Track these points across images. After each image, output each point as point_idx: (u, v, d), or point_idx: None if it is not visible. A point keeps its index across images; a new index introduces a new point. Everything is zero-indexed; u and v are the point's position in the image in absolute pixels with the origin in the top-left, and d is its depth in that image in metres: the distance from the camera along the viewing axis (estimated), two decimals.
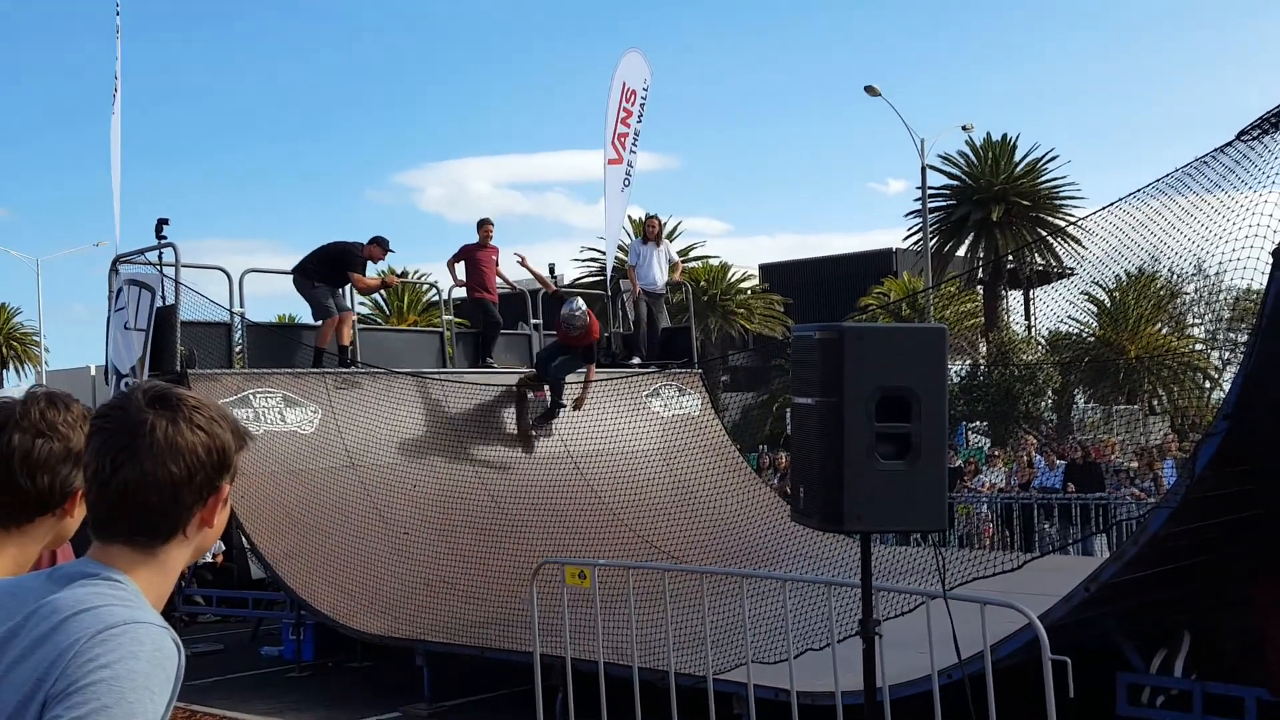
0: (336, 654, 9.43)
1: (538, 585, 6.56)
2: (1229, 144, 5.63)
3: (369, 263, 11.29)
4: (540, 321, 12.98)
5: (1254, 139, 5.55)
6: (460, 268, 12.29)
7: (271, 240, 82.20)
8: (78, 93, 74.54)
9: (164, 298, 10.04)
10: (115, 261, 10.69)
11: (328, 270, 10.81)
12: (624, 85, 13.88)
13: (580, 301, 11.40)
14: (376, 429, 10.39)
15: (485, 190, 76.32)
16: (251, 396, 9.83)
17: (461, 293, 12.71)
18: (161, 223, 10.26)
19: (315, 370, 10.56)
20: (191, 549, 1.54)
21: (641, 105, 14.02)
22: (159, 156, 77.06)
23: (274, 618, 10.35)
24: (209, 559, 12.02)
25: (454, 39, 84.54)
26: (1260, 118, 5.50)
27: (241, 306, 10.56)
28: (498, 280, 12.40)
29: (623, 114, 13.92)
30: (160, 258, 10.24)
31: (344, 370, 10.73)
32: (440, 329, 12.59)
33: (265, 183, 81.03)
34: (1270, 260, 5.33)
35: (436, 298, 15.50)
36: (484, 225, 12.38)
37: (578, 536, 9.84)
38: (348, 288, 11.14)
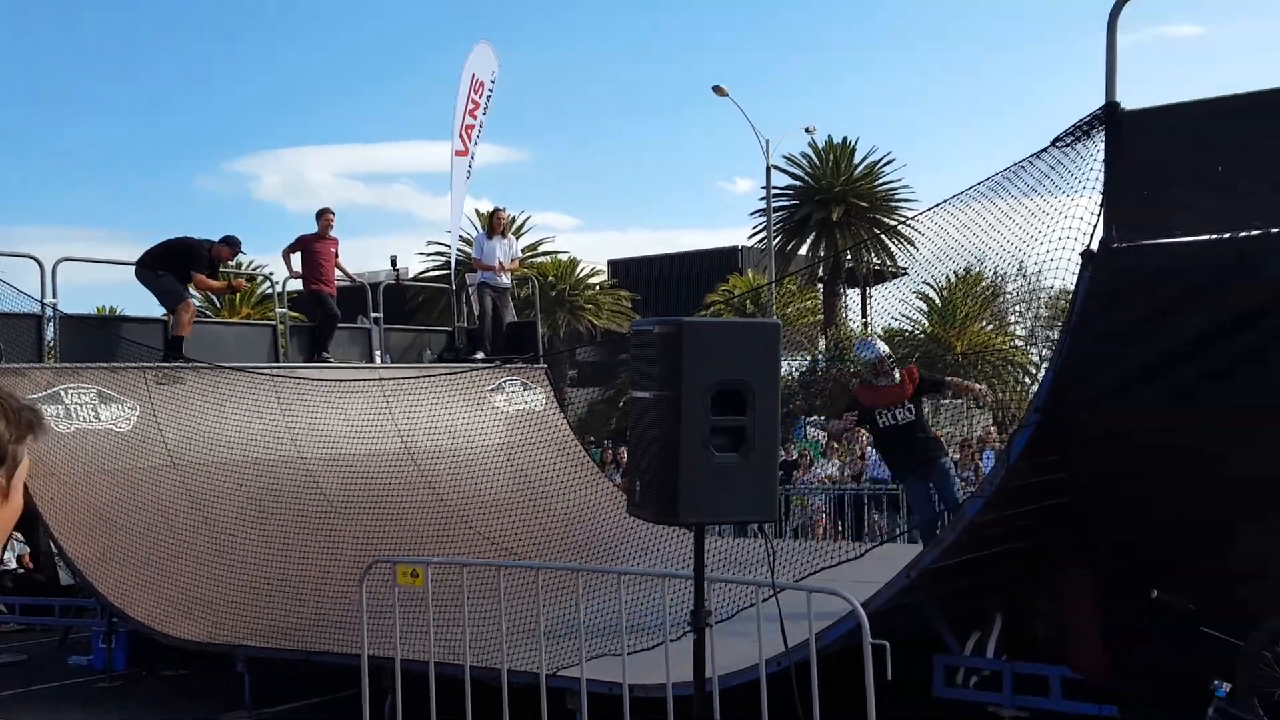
0: (151, 662, 8.91)
1: (368, 586, 6.34)
2: (1044, 149, 5.90)
3: (218, 263, 10.80)
4: (381, 315, 12.61)
5: (1068, 145, 5.83)
6: (296, 258, 11.84)
7: (95, 229, 77.31)
8: None
9: None
10: None
11: (170, 265, 10.35)
12: (473, 76, 13.68)
13: (880, 345, 9.06)
14: (200, 426, 9.87)
15: (325, 180, 73.62)
16: (63, 392, 9.21)
17: (297, 284, 12.24)
18: None
19: (133, 365, 9.97)
20: None
21: (488, 97, 13.84)
22: None
23: (84, 625, 9.70)
24: (12, 564, 11.20)
25: (286, 20, 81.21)
26: (1074, 125, 5.78)
27: (54, 297, 9.88)
28: (337, 273, 12.00)
29: (471, 105, 13.73)
30: None
31: (165, 365, 10.16)
32: (274, 322, 12.09)
33: (87, 167, 75.92)
34: (1080, 261, 5.62)
35: (270, 290, 14.89)
36: (324, 215, 11.99)
37: (416, 535, 9.57)
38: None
